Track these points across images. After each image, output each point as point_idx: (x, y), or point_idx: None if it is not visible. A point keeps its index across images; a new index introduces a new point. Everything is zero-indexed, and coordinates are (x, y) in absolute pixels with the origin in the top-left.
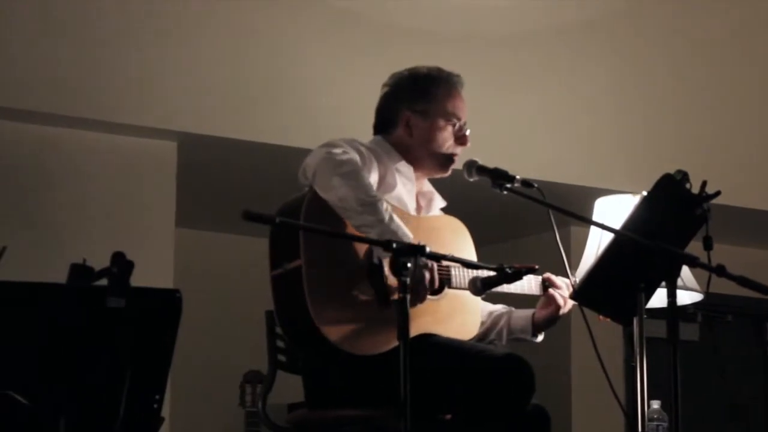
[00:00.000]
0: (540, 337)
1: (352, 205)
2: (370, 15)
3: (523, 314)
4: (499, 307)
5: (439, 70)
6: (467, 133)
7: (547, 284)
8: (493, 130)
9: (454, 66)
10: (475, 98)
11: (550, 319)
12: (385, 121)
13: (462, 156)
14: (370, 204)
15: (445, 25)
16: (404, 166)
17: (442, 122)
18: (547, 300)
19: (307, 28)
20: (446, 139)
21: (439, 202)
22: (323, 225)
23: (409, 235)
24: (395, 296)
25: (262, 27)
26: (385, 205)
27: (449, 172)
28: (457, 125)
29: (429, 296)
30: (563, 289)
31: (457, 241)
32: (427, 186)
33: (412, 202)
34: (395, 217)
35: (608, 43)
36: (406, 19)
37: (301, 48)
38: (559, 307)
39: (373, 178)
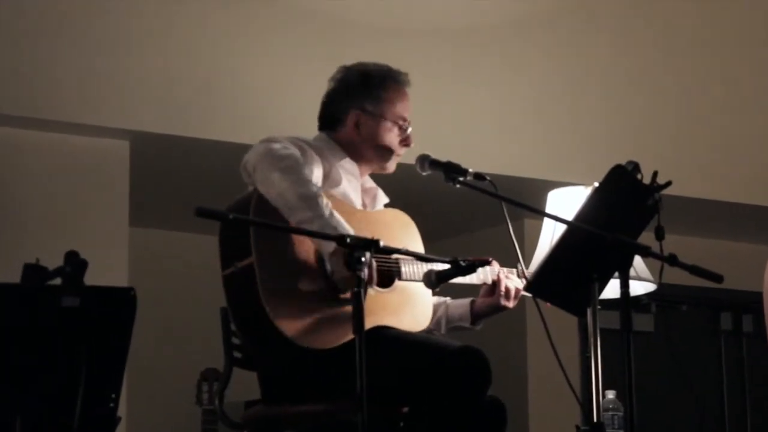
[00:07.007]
0: (479, 326)
1: (292, 200)
2: (324, 11)
3: (460, 303)
4: (435, 298)
5: (390, 70)
6: (410, 132)
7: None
8: (445, 124)
9: (407, 60)
10: (428, 92)
11: (492, 308)
12: (331, 117)
13: (415, 150)
14: (310, 199)
15: (398, 20)
16: (348, 163)
17: (389, 124)
18: (490, 289)
19: (260, 26)
20: (392, 141)
21: (383, 198)
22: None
23: (350, 231)
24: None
25: (215, 25)
26: (325, 200)
27: (392, 170)
28: (403, 127)
29: (380, 289)
30: (512, 280)
31: (404, 234)
32: (370, 182)
33: (358, 199)
34: (335, 213)
35: (561, 37)
36: (361, 15)
37: (255, 46)
38: (500, 299)
39: (317, 174)
